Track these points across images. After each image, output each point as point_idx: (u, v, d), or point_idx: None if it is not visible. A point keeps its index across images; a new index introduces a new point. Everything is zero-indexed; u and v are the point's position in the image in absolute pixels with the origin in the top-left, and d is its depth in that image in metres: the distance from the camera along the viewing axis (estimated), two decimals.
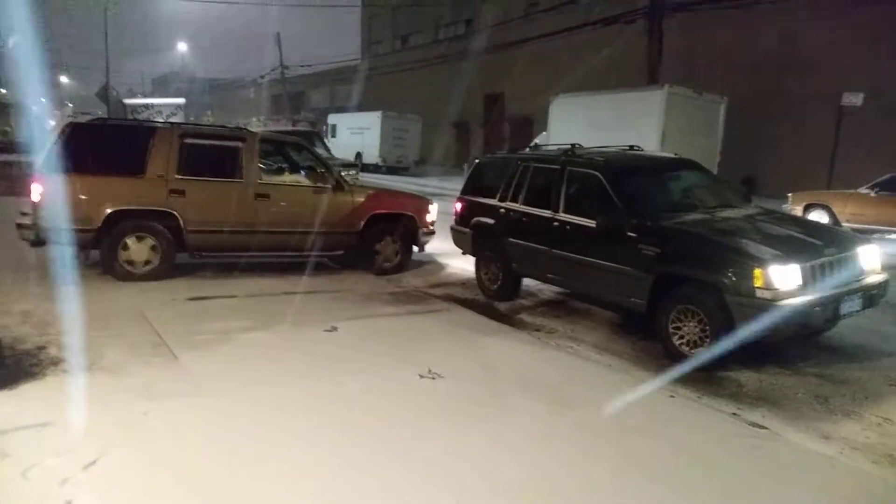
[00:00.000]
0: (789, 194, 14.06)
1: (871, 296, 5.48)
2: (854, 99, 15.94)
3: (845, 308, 5.20)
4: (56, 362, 4.62)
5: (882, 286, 5.60)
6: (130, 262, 7.28)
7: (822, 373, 5.22)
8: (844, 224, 12.22)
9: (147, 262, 7.34)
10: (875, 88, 16.38)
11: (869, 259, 5.60)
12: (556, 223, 6.54)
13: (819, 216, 12.90)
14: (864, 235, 6.67)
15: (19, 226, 7.23)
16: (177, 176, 7.38)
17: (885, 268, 5.83)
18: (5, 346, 4.47)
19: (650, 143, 13.72)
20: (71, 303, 6.21)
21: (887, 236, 12.28)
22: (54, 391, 4.15)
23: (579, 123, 17.25)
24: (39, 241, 7.22)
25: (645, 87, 17.83)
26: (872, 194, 12.62)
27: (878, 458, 3.80)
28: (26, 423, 3.62)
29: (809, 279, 4.99)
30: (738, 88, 18.89)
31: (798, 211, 13.27)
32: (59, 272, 7.55)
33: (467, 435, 3.81)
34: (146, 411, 3.89)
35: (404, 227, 8.54)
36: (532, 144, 20.44)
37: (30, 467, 3.17)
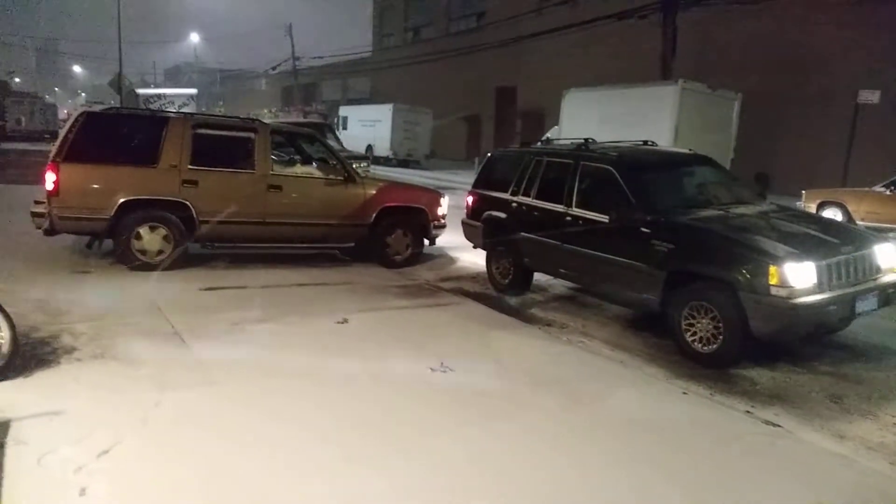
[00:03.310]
0: (803, 192, 13.94)
1: (888, 294, 5.41)
2: (871, 96, 15.76)
3: (861, 307, 5.15)
4: (69, 350, 4.65)
5: None
6: (143, 252, 7.30)
7: (837, 372, 5.17)
8: (859, 223, 12.10)
9: (160, 252, 7.36)
10: (892, 85, 16.19)
11: (885, 257, 5.53)
12: (568, 218, 6.50)
13: (833, 214, 12.76)
14: (880, 234, 6.59)
15: (33, 214, 7.28)
16: (189, 166, 7.39)
17: None
18: (20, 335, 4.49)
19: (663, 139, 13.62)
20: (84, 292, 6.26)
21: None
22: (68, 379, 4.18)
23: (591, 118, 17.14)
24: (53, 230, 7.26)
25: (658, 83, 17.69)
26: (888, 193, 12.48)
27: (895, 458, 3.76)
28: (41, 411, 3.65)
29: (825, 277, 4.94)
30: (752, 84, 18.70)
31: (812, 209, 13.14)
32: (72, 261, 7.62)
33: (477, 430, 3.80)
34: (159, 401, 3.91)
35: (415, 220, 8.53)
36: (544, 139, 20.30)
37: (44, 454, 3.20)
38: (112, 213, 7.13)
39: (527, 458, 3.49)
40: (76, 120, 7.33)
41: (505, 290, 7.43)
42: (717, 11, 19.29)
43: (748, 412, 4.32)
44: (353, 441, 3.57)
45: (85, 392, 3.98)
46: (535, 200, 7.00)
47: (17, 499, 2.87)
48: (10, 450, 3.24)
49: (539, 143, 8.64)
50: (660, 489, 3.25)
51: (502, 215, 7.41)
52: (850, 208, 12.85)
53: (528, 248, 7.04)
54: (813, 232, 5.54)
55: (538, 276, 7.58)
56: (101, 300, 5.99)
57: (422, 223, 8.56)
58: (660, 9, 19.15)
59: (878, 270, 5.43)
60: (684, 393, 4.60)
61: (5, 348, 4.09)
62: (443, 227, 8.74)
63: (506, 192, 7.39)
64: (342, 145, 17.90)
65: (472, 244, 8.17)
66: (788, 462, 3.60)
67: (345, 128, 33.09)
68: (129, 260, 7.27)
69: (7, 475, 3.02)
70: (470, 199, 8.07)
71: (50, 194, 7.02)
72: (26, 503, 2.86)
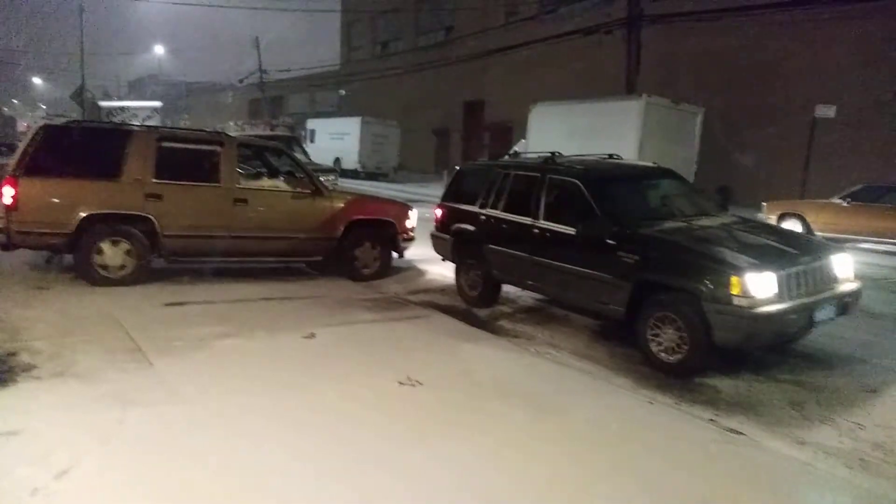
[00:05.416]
0: (764, 203, 14.28)
1: (845, 303, 5.57)
2: (827, 111, 16.24)
3: (820, 315, 5.28)
4: (28, 368, 4.52)
5: (855, 294, 5.70)
6: (105, 267, 7.16)
7: (798, 379, 5.29)
8: (818, 233, 12.43)
9: (122, 267, 7.23)
10: (848, 100, 16.72)
11: (842, 267, 5.69)
12: (535, 230, 6.56)
13: (793, 225, 13.09)
14: (837, 244, 6.78)
15: None
16: (154, 180, 7.28)
17: (857, 276, 5.93)
18: None
19: (628, 152, 13.84)
20: (44, 308, 6.10)
21: (859, 245, 12.52)
22: (26, 398, 4.06)
23: (558, 132, 17.36)
24: (11, 245, 7.08)
25: (623, 97, 18.01)
26: (845, 204, 12.86)
27: (852, 462, 3.85)
28: None
29: (785, 287, 5.06)
30: (714, 99, 19.17)
31: (773, 220, 13.46)
32: (30, 276, 7.43)
33: (447, 443, 3.79)
34: (120, 419, 3.82)
35: (384, 233, 8.51)
36: (511, 152, 20.52)
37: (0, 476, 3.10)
38: (73, 228, 6.99)
39: (497, 469, 3.49)
40: (36, 133, 7.18)
41: (474, 303, 7.45)
42: (680, 28, 19.74)
43: (712, 420, 4.39)
44: (321, 457, 3.53)
45: (44, 411, 3.87)
46: (503, 213, 7.05)
47: None
48: None
49: (507, 157, 8.71)
50: (627, 496, 3.28)
51: (471, 228, 7.44)
52: (808, 219, 13.19)
53: (497, 260, 7.08)
54: (773, 243, 5.68)
55: (507, 288, 7.62)
56: (61, 317, 5.85)
57: (390, 236, 8.54)
58: (624, 25, 19.53)
59: (836, 280, 5.59)
60: (650, 402, 4.65)
61: None
62: (412, 239, 8.74)
63: (474, 204, 7.43)
64: (310, 158, 17.81)
65: (441, 257, 8.18)
66: (751, 469, 3.67)
67: (313, 141, 32.95)
68: (90, 275, 7.12)
69: None
70: (439, 212, 8.09)
71: (8, 209, 6.84)
72: None
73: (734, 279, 4.90)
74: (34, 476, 3.12)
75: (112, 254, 7.17)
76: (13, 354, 4.77)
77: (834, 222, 12.82)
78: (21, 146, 7.26)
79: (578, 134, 16.36)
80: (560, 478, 3.45)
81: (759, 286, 4.91)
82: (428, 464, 3.52)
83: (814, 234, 12.12)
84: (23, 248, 7.28)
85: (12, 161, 7.13)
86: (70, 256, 7.36)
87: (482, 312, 7.18)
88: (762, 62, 19.88)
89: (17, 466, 3.20)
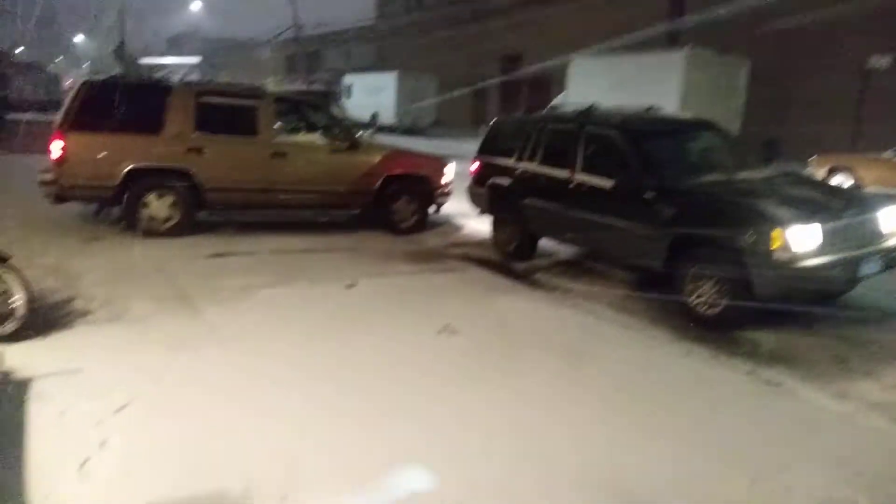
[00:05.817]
0: (812, 157, 13.86)
1: (892, 258, 5.43)
2: (881, 62, 15.56)
3: (864, 270, 5.17)
4: (84, 314, 4.75)
5: None
6: (152, 219, 7.37)
7: (840, 334, 5.20)
8: (868, 188, 12.04)
9: (168, 219, 7.43)
10: None
11: (889, 222, 5.53)
12: (572, 184, 6.50)
13: (842, 180, 12.72)
14: (886, 199, 6.57)
15: (41, 183, 7.33)
16: (194, 134, 7.42)
17: None
18: (35, 298, 4.58)
19: (670, 105, 13.55)
20: (95, 258, 6.34)
21: None
22: (84, 341, 4.28)
23: (599, 85, 16.99)
24: (61, 198, 7.32)
25: (665, 49, 17.54)
26: None
27: None
28: (59, 370, 3.76)
29: (828, 241, 4.95)
30: (761, 49, 18.47)
31: (821, 174, 13.08)
32: (82, 228, 7.70)
33: (484, 392, 3.87)
34: (170, 362, 4.01)
35: (420, 187, 8.54)
36: (551, 106, 20.20)
37: (66, 409, 3.32)
38: (119, 181, 7.19)
39: (535, 418, 3.57)
40: (80, 89, 7.34)
41: (510, 256, 7.47)
42: None
43: (750, 372, 4.37)
44: (360, 403, 3.66)
45: (100, 353, 4.08)
46: (539, 167, 7.00)
47: (44, 449, 2.99)
48: (32, 405, 3.37)
49: (546, 111, 8.62)
50: (661, 446, 3.33)
51: (507, 182, 7.42)
52: (858, 174, 12.78)
53: (533, 214, 7.06)
54: (817, 196, 5.56)
55: (543, 242, 7.61)
56: (112, 266, 6.08)
57: (427, 190, 8.58)
58: None
59: (883, 234, 5.44)
60: (687, 354, 4.66)
61: (21, 310, 4.19)
62: (448, 194, 8.76)
63: (511, 158, 7.38)
64: (346, 113, 17.83)
65: (477, 210, 8.20)
66: (789, 420, 3.67)
67: (349, 96, 32.85)
68: (137, 227, 7.34)
69: (32, 428, 3.15)
70: (475, 166, 8.07)
71: (57, 163, 7.07)
72: (52, 453, 2.97)
73: (776, 232, 4.82)
74: (96, 410, 3.33)
75: (158, 206, 7.37)
76: (70, 300, 5.00)
77: (885, 177, 12.39)
78: (66, 102, 7.44)
79: (620, 87, 16.01)
80: (595, 429, 3.50)
81: (801, 239, 4.82)
82: (464, 412, 3.60)
83: (863, 189, 11.76)
84: (72, 200, 7.53)
85: (59, 116, 7.32)
86: (118, 209, 7.58)
87: (519, 265, 7.20)
88: (813, 10, 19.02)
89: (81, 401, 3.41)
